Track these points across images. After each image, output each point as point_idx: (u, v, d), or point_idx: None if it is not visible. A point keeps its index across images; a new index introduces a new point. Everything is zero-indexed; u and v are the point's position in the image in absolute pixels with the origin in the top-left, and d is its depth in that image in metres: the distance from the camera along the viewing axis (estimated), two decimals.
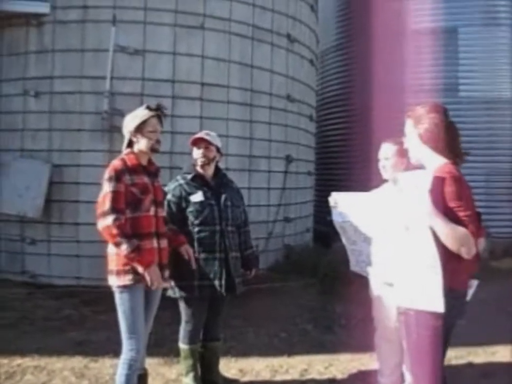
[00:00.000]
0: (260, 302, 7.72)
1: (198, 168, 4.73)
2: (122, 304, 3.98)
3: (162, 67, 8.59)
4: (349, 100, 14.74)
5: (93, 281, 7.97)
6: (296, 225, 10.78)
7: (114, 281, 3.99)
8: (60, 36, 8.42)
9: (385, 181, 4.66)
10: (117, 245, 3.84)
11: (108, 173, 3.95)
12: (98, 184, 7.94)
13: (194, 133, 4.86)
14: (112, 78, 8.23)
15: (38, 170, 8.22)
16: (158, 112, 4.19)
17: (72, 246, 8.32)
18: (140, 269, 3.88)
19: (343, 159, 14.66)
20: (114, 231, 3.81)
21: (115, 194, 3.89)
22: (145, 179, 4.11)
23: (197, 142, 4.74)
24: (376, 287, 4.63)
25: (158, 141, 4.17)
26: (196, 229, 4.59)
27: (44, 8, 8.38)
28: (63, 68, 8.43)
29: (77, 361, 5.53)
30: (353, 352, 5.81)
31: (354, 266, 4.83)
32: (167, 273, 4.24)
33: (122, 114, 8.04)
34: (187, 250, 4.46)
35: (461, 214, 3.01)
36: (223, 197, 4.76)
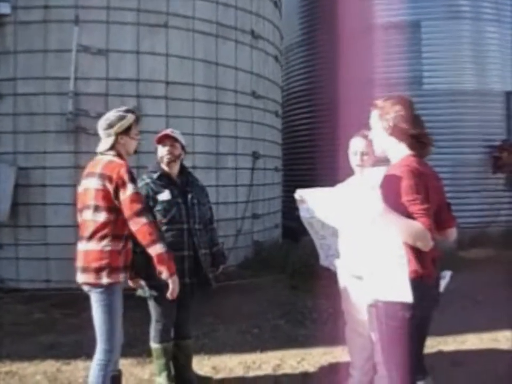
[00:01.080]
0: (230, 299, 7.73)
1: (164, 166, 4.73)
2: (106, 305, 3.92)
3: (126, 66, 8.53)
4: (314, 95, 14.80)
5: (62, 284, 7.91)
6: (264, 221, 10.81)
7: (102, 279, 3.88)
8: (22, 37, 8.32)
9: (351, 174, 4.70)
10: (154, 242, 3.87)
11: (125, 173, 3.90)
12: (65, 186, 7.94)
13: (160, 132, 4.85)
14: (76, 78, 8.15)
15: (3, 173, 8.11)
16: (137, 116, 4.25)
17: (40, 249, 8.24)
18: (165, 274, 3.93)
19: (310, 154, 14.72)
20: (151, 230, 3.86)
21: (140, 193, 4.02)
22: None
23: (163, 140, 4.74)
24: (344, 280, 4.67)
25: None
26: (164, 228, 4.57)
27: (4, 9, 8.25)
28: (26, 69, 8.31)
29: (49, 365, 5.50)
30: (325, 345, 5.86)
31: (323, 261, 4.86)
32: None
33: (87, 115, 8.05)
34: None
35: (417, 207, 3.01)
36: (190, 195, 4.77)
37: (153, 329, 4.70)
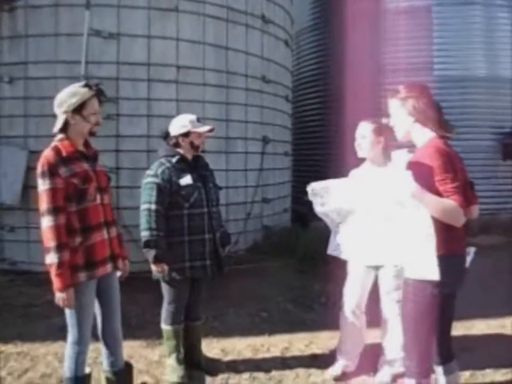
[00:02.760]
0: (239, 282, 7.77)
1: (182, 151, 4.73)
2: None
3: (137, 50, 8.53)
4: (324, 80, 14.78)
5: None
6: (274, 206, 10.82)
7: None
8: (33, 21, 8.33)
9: (363, 160, 4.74)
10: (49, 250, 3.52)
11: (40, 167, 3.59)
12: None
13: (170, 116, 4.86)
14: (87, 62, 8.17)
15: (15, 156, 8.17)
16: (97, 91, 3.86)
17: None
18: (55, 287, 3.55)
19: (319, 139, 14.73)
20: (47, 235, 3.54)
21: (51, 191, 3.56)
22: (85, 166, 3.77)
23: (211, 131, 4.82)
24: (355, 267, 4.73)
25: (97, 124, 3.86)
26: (186, 212, 4.60)
27: None
28: (37, 53, 8.34)
29: (60, 346, 5.52)
30: (333, 329, 5.86)
31: (333, 251, 4.88)
32: (120, 263, 4.04)
33: None
34: (124, 267, 4.15)
35: (448, 186, 3.15)
36: (207, 179, 4.83)
37: (166, 311, 4.75)
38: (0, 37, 8.49)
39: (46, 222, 3.55)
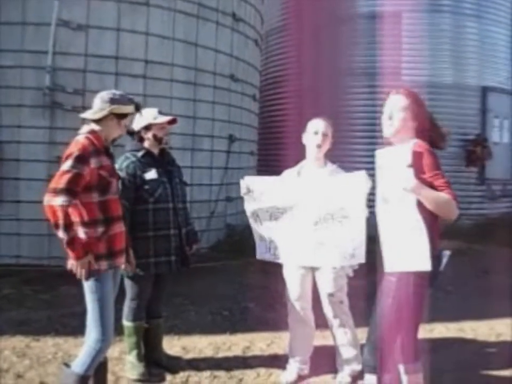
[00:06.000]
0: (201, 280, 7.76)
1: (147, 145, 4.71)
2: (95, 292, 3.74)
3: (106, 43, 8.43)
4: (291, 81, 14.79)
5: (33, 260, 7.87)
6: (237, 204, 10.77)
7: None
8: (0, 8, 8.18)
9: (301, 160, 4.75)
10: (55, 227, 3.53)
11: (76, 150, 3.63)
12: (39, 161, 7.86)
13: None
14: (54, 53, 8.04)
15: None
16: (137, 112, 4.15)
17: (12, 224, 8.14)
18: (71, 260, 3.64)
19: (284, 139, 14.72)
20: (58, 214, 3.50)
21: (75, 175, 3.56)
22: (109, 161, 3.88)
23: (173, 122, 4.83)
24: (290, 271, 4.73)
25: (119, 137, 4.09)
26: (151, 207, 4.59)
27: None
28: (3, 41, 8.16)
29: (18, 341, 5.48)
30: None
31: (263, 254, 4.78)
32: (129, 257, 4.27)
33: (64, 90, 7.96)
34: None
35: (440, 181, 3.32)
36: (173, 174, 4.81)
37: (127, 307, 4.71)
38: None
39: (60, 201, 3.49)
